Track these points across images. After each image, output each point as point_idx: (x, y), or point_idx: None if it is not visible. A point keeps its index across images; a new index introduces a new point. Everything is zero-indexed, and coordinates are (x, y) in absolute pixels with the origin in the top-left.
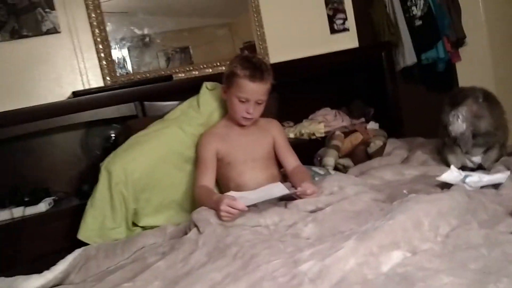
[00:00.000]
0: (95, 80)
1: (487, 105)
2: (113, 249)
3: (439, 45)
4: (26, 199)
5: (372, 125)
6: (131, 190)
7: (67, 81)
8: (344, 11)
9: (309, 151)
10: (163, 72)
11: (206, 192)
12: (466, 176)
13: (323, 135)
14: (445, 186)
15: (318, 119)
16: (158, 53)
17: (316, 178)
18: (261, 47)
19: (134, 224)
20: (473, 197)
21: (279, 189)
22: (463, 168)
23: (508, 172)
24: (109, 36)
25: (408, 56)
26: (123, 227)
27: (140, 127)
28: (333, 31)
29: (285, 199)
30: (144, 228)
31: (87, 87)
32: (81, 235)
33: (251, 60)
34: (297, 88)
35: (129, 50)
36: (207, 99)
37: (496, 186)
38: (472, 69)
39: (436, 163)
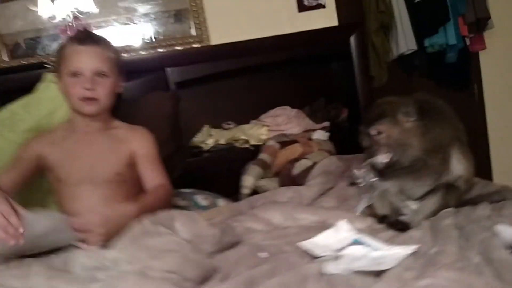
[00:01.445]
0: None
1: (425, 125)
2: None
3: (448, 27)
4: None
5: (319, 135)
6: None
7: None
8: None
9: (240, 164)
10: None
11: None
12: (355, 242)
13: (261, 143)
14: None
15: (266, 121)
16: None
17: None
18: (197, 25)
19: None
20: None
21: None
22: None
23: (413, 248)
24: None
25: (403, 41)
26: None
27: None
28: (302, 7)
29: None
30: None
31: None
32: None
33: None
34: (250, 79)
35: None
36: (46, 96)
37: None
38: (501, 60)
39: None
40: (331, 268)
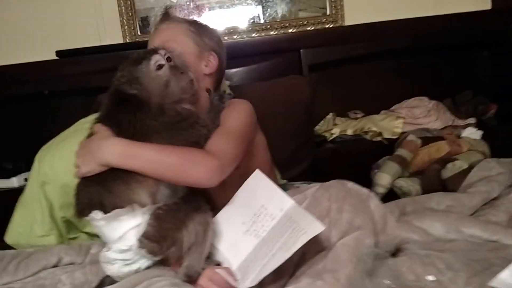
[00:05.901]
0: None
1: None
2: (8, 262)
3: None
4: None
5: (470, 133)
6: (58, 195)
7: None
8: None
9: (369, 158)
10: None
11: None
12: None
13: (395, 136)
14: None
15: (400, 112)
16: None
17: None
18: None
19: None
20: None
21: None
22: None
23: None
24: None
25: None
26: (54, 235)
27: None
28: None
29: None
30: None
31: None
32: (8, 238)
33: None
34: (383, 65)
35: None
36: None
37: None
38: None
39: None
40: None
